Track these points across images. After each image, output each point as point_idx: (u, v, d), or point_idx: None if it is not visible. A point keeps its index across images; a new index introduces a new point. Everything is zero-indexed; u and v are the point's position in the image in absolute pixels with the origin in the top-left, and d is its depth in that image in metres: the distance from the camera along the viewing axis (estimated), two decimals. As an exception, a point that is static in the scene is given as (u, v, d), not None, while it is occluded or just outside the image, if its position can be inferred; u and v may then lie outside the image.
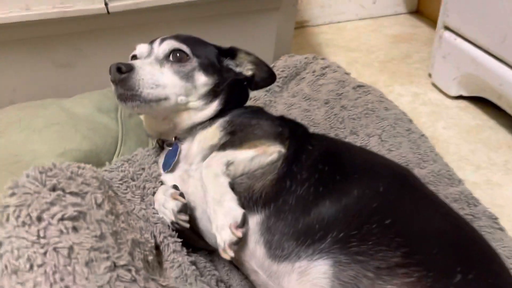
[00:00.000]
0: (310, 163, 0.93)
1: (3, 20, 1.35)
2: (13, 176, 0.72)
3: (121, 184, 0.97)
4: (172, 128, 1.08)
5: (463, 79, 1.76)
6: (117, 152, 1.28)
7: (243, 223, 0.82)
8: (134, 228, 0.84)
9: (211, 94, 1.08)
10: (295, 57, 1.70)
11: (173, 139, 1.09)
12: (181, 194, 0.93)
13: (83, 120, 1.31)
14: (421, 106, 1.81)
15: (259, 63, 1.17)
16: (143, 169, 1.05)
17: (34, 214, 0.65)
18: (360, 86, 1.47)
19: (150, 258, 0.83)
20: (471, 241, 0.81)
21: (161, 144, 1.16)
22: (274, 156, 0.95)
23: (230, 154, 0.93)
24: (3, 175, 1.12)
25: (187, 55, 1.06)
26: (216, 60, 1.13)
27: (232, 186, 0.89)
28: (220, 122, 1.05)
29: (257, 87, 1.21)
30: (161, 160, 1.11)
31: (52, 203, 0.68)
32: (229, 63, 1.17)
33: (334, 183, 0.88)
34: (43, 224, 0.65)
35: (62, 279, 0.62)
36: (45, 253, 0.63)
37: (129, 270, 0.70)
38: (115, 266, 0.68)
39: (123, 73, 0.94)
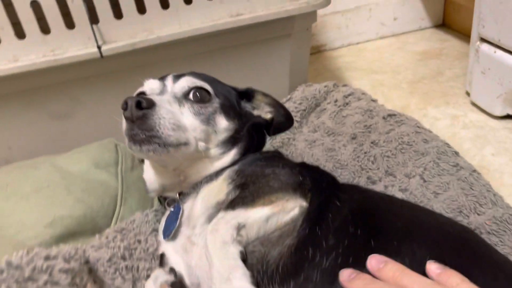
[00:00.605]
0: (338, 224, 0.74)
1: (-9, 75, 1.24)
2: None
3: (110, 266, 0.80)
4: (181, 180, 0.92)
5: (509, 95, 1.53)
6: (116, 215, 1.12)
7: (257, 310, 0.63)
8: (119, 332, 0.66)
9: (230, 141, 0.93)
10: (313, 86, 1.52)
11: (177, 195, 0.92)
12: (174, 284, 0.74)
13: (78, 179, 1.16)
14: (462, 130, 1.59)
15: (276, 105, 1.04)
16: (139, 241, 0.88)
17: None
18: (391, 115, 1.27)
19: None
20: None
21: (163, 202, 0.99)
22: (295, 211, 0.77)
23: (242, 214, 0.75)
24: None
25: (210, 94, 0.91)
26: (236, 102, 1.00)
27: (244, 257, 0.70)
28: (227, 172, 0.88)
29: (275, 131, 1.08)
30: (161, 224, 0.94)
31: (-6, 325, 0.50)
32: (246, 105, 1.04)
33: (366, 252, 0.68)
34: None
35: None
36: None
37: None
38: None
39: (142, 109, 0.78)
